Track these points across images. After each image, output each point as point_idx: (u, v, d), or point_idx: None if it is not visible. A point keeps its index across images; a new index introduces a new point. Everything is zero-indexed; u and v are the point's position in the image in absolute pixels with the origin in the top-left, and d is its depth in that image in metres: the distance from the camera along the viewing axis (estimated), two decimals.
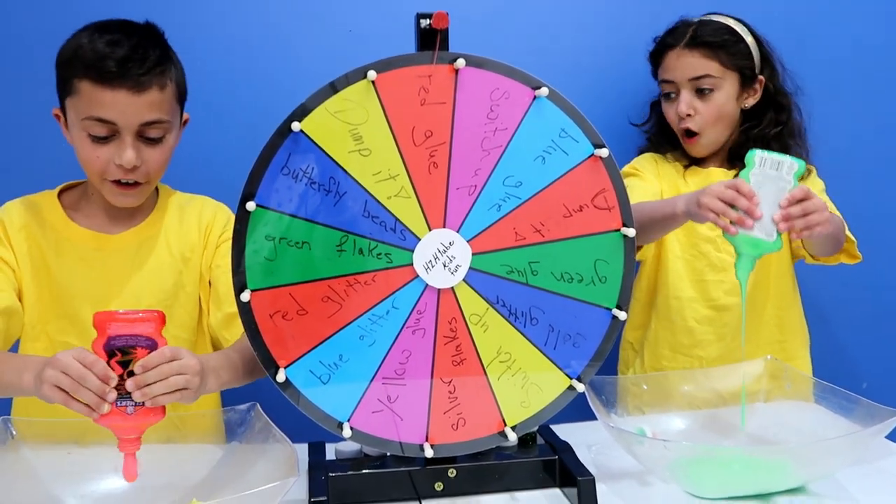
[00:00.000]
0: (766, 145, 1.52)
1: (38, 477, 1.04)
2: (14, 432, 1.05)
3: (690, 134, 1.55)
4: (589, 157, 1.08)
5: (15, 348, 1.28)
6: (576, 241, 1.09)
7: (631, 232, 1.09)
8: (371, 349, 1.06)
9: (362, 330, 1.05)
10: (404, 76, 1.03)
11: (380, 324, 1.06)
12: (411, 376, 1.07)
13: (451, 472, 1.09)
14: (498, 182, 1.07)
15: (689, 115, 1.52)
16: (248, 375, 1.14)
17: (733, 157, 1.58)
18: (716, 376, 1.29)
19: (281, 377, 1.03)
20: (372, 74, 1.01)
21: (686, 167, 1.60)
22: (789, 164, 1.16)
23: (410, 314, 1.07)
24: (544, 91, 1.06)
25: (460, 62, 1.03)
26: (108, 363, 0.95)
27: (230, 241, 1.30)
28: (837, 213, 1.46)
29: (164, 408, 0.99)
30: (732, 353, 1.54)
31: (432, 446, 1.07)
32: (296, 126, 1.01)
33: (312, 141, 1.02)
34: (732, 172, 1.56)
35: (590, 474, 1.05)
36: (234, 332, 1.26)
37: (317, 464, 1.11)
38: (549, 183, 1.08)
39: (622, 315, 1.10)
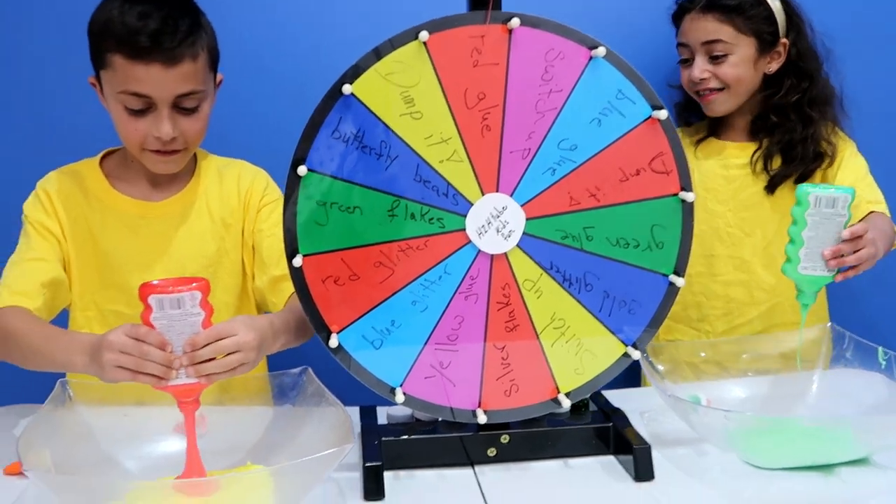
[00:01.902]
0: (785, 114, 1.45)
1: (96, 438, 1.03)
2: (72, 394, 1.05)
3: (707, 92, 1.46)
4: (646, 119, 1.03)
5: (64, 317, 1.28)
6: (632, 206, 1.05)
7: (690, 196, 1.04)
8: (423, 315, 1.04)
9: (414, 295, 1.03)
10: (457, 37, 0.99)
11: (432, 289, 1.03)
12: (464, 342, 1.05)
13: (504, 438, 1.06)
14: (552, 145, 1.03)
15: (703, 80, 1.45)
16: (302, 336, 1.13)
17: (756, 130, 1.49)
18: (773, 342, 1.25)
19: (333, 342, 1.01)
20: (424, 35, 0.98)
21: (699, 141, 1.53)
22: (844, 199, 1.10)
23: (463, 280, 1.04)
24: (601, 51, 1.01)
25: (514, 22, 0.99)
26: None
27: (271, 205, 1.30)
28: (882, 201, 1.38)
29: None
30: (738, 329, 1.50)
31: (485, 412, 1.05)
32: (347, 89, 0.98)
33: (363, 104, 0.99)
34: (751, 146, 1.48)
35: (645, 442, 1.02)
36: (281, 295, 1.24)
37: (369, 428, 1.10)
38: (604, 146, 1.03)
39: (680, 281, 1.06)
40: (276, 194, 1.31)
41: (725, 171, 1.50)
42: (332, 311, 1.02)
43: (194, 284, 0.93)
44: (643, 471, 1.01)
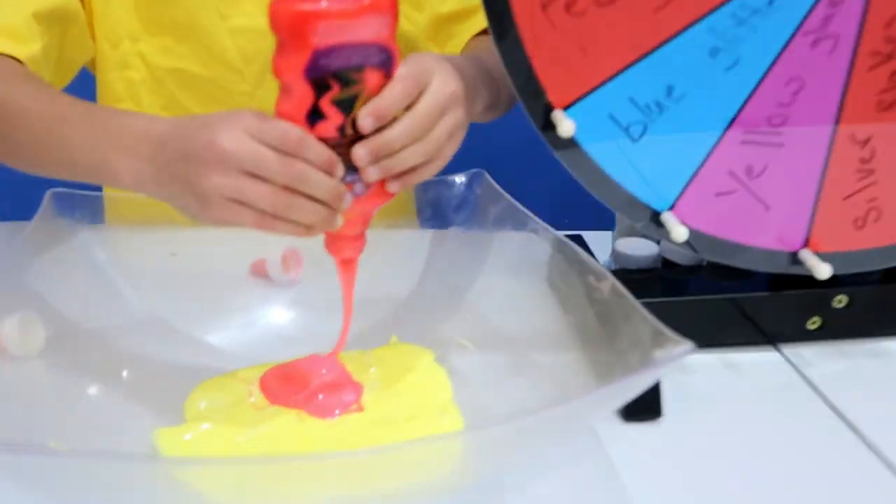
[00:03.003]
0: None
1: (124, 298, 0.57)
2: (79, 218, 0.58)
3: None
4: None
5: (88, 86, 0.77)
6: None
7: None
8: (728, 76, 0.53)
9: (716, 38, 0.52)
10: None
11: (749, 26, 0.52)
12: (797, 128, 0.55)
13: (839, 301, 0.59)
14: None
15: None
16: (494, 107, 0.63)
17: None
18: None
19: (565, 128, 0.52)
20: None
21: None
22: None
23: (811, 10, 0.52)
24: None
25: None
26: (315, 105, 0.44)
27: None
28: None
29: None
30: None
31: (818, 256, 0.57)
32: None
33: None
34: None
35: None
36: (452, 46, 0.73)
37: None
38: None
39: None
40: None
41: None
42: (556, 69, 0.51)
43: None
44: None
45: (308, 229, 0.46)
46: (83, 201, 0.56)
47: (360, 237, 0.50)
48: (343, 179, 0.46)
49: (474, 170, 0.63)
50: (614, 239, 0.70)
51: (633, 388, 0.39)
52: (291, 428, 0.49)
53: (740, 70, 0.53)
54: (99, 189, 0.57)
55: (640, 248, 0.64)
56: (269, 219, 0.45)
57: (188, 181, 0.45)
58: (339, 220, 0.46)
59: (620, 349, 0.45)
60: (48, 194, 0.56)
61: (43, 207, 0.55)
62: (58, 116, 0.54)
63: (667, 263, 0.64)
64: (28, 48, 0.63)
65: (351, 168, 0.46)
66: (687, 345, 0.39)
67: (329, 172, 0.45)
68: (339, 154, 0.45)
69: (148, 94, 0.75)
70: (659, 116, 0.53)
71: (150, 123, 0.49)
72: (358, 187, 0.46)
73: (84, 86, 0.73)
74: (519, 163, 0.96)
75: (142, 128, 0.49)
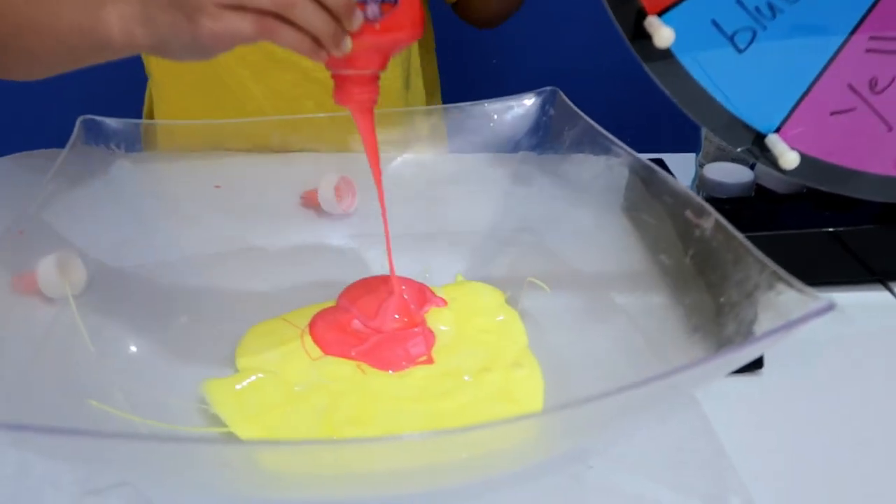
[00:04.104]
0: None
1: (166, 235, 0.51)
2: (114, 147, 0.51)
3: None
4: None
5: None
6: None
7: None
8: None
9: None
10: None
11: None
12: None
13: None
14: None
15: None
16: None
17: None
18: None
19: (664, 37, 0.43)
20: None
21: None
22: None
23: None
24: None
25: None
26: None
27: None
28: None
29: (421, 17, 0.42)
30: None
31: None
32: None
33: None
34: None
35: None
36: None
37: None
38: None
39: None
40: None
41: None
42: None
43: None
44: None
45: (315, 44, 0.39)
46: (116, 128, 0.50)
47: (372, 80, 0.43)
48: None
49: (547, 87, 0.54)
50: (697, 163, 0.62)
51: (757, 351, 0.32)
52: (353, 378, 0.43)
53: None
54: (132, 115, 0.50)
55: (732, 175, 0.55)
56: (271, 21, 0.39)
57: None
58: (348, 43, 0.39)
59: (727, 299, 0.38)
60: (79, 121, 0.50)
61: (74, 136, 0.49)
62: None
63: (760, 191, 0.56)
64: None
65: None
66: (824, 300, 0.31)
67: None
68: None
69: None
70: (771, 21, 0.44)
71: None
72: (371, 8, 0.40)
73: None
74: (586, 78, 0.86)
75: None
